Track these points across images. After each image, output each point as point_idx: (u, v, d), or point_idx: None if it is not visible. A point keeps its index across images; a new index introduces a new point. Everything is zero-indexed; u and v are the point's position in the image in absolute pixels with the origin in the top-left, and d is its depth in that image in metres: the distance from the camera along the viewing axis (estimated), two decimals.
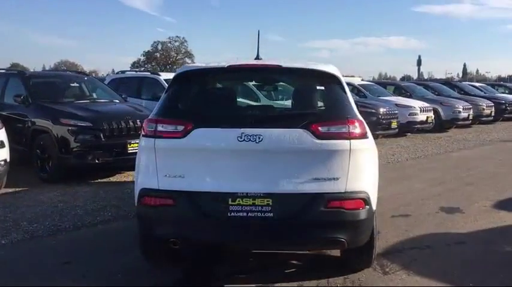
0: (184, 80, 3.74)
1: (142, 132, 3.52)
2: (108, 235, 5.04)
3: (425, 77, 54.12)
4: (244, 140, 3.23)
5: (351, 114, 3.43)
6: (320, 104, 3.51)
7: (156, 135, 3.37)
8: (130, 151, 7.59)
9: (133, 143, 7.59)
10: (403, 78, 39.55)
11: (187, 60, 74.41)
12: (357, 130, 3.33)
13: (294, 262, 4.17)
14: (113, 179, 7.78)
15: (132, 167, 8.05)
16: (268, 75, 3.75)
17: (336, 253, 4.17)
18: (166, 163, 3.37)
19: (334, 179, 3.26)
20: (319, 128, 3.27)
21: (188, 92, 3.80)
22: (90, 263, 4.16)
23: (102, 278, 3.86)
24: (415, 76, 49.40)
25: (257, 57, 4.10)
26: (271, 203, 3.23)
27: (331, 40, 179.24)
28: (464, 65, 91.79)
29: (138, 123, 7.75)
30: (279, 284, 3.70)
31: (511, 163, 9.74)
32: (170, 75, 10.86)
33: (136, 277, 3.88)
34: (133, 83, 11.32)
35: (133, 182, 3.72)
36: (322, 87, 3.60)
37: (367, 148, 3.41)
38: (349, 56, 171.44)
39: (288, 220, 3.25)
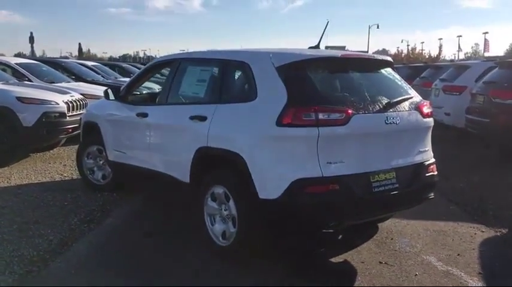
0: (304, 68, 3.73)
1: (288, 122, 3.40)
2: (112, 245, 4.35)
3: (39, 55, 50.35)
4: (390, 123, 3.70)
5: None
6: (403, 88, 4.16)
7: (318, 124, 3.40)
8: None
9: None
10: (18, 55, 37.87)
11: None
12: (432, 109, 4.25)
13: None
14: None
15: None
16: (366, 66, 4.10)
17: None
18: (329, 150, 3.47)
19: (427, 150, 4.12)
20: (424, 109, 4.04)
21: (319, 79, 3.81)
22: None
23: None
24: (28, 54, 45.52)
25: (317, 46, 4.32)
26: (395, 176, 3.80)
27: None
28: (80, 44, 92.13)
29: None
30: (360, 247, 4.30)
31: None
32: None
33: None
34: None
35: None
36: (396, 75, 4.27)
37: None
38: None
39: (407, 187, 3.89)
